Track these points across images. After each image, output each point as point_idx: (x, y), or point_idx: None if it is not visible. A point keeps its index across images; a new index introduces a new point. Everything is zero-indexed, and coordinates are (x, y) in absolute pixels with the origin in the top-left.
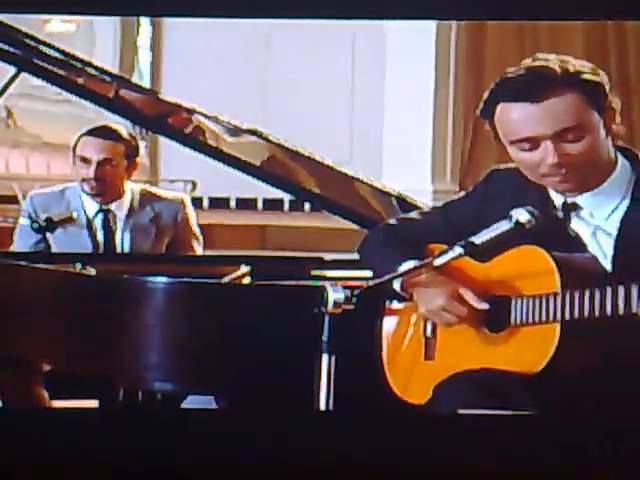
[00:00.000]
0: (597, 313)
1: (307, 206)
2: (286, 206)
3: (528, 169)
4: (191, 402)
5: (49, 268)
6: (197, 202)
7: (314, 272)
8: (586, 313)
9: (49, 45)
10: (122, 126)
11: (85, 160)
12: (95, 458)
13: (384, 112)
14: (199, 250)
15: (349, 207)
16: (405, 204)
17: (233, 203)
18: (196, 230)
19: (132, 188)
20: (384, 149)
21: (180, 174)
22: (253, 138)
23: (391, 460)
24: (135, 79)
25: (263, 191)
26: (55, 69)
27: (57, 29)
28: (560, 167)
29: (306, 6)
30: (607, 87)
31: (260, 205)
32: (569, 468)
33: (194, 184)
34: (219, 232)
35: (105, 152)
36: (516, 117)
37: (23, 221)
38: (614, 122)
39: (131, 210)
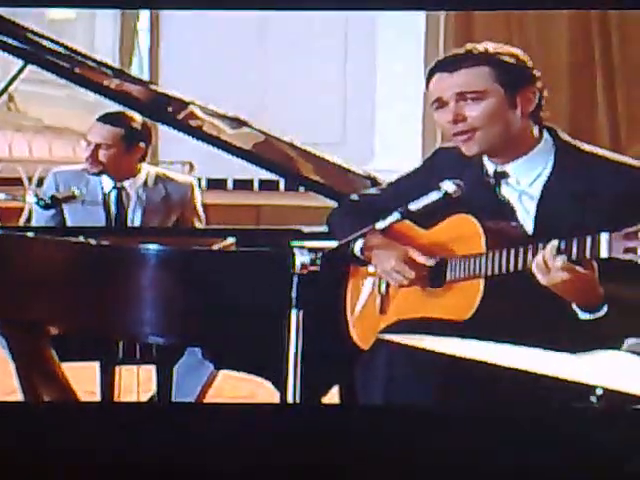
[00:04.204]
0: (512, 269)
1: (302, 188)
2: (281, 187)
3: (443, 129)
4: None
5: (55, 239)
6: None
7: (293, 243)
8: (504, 269)
9: (52, 40)
10: (132, 112)
11: (87, 142)
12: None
13: (376, 96)
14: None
15: (332, 187)
16: (377, 184)
17: (230, 184)
18: (200, 211)
19: (148, 170)
20: (376, 131)
21: (179, 156)
22: (242, 127)
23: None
24: (135, 62)
25: (259, 173)
26: (58, 61)
27: (59, 15)
28: (458, 123)
29: None
30: (528, 75)
31: (256, 186)
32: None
33: (191, 166)
34: (216, 211)
35: (101, 137)
36: (435, 84)
37: (30, 199)
38: (532, 107)
39: (144, 189)
